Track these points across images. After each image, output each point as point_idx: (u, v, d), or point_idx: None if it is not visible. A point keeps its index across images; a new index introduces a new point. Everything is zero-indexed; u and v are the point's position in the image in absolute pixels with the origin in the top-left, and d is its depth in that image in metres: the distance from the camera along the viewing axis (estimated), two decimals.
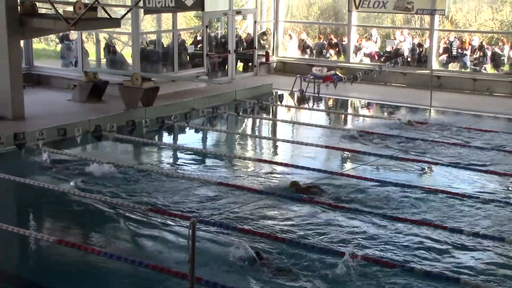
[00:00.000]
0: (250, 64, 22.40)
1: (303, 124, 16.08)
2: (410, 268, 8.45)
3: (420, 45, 21.70)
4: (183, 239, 9.06)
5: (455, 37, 21.08)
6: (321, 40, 23.64)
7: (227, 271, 8.28)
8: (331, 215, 10.15)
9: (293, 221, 9.98)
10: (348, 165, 13.06)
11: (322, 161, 13.28)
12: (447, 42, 21.18)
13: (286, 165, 12.82)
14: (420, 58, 21.43)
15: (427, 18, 21.54)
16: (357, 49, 22.27)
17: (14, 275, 8.60)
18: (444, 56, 21.05)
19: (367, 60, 22.09)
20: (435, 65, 20.87)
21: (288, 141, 14.67)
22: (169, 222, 9.81)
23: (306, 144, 14.15)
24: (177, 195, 11.01)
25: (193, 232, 6.51)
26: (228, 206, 10.43)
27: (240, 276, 8.15)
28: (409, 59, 21.25)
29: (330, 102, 19.22)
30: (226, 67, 21.38)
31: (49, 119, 14.86)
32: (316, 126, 15.88)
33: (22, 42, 16.91)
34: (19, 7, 15.23)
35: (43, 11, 16.75)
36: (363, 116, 17.58)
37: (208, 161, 13.17)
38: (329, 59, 22.71)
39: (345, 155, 13.70)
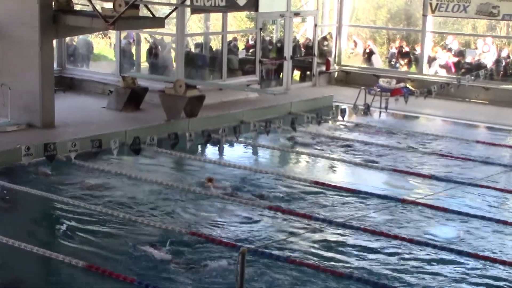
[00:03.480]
0: (308, 73, 22.43)
1: (366, 143, 15.95)
2: None
3: (508, 56, 21.34)
4: (225, 264, 9.25)
5: None
6: (391, 48, 23.52)
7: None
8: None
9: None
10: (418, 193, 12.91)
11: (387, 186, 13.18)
12: None
13: (340, 188, 12.79)
14: (506, 71, 21.07)
15: None
16: (431, 59, 22.05)
17: None
18: None
19: (442, 72, 21.84)
20: None
21: (349, 162, 14.59)
22: (212, 248, 9.85)
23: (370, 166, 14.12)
24: (223, 218, 11.09)
25: (242, 261, 6.54)
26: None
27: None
28: (493, 72, 20.92)
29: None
30: (281, 76, 21.44)
31: (81, 128, 15.12)
32: (381, 146, 15.76)
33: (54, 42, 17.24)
34: (53, 3, 15.50)
35: (78, 7, 17.08)
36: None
37: (260, 182, 13.14)
38: (399, 69, 22.57)
39: (408, 179, 13.61)
